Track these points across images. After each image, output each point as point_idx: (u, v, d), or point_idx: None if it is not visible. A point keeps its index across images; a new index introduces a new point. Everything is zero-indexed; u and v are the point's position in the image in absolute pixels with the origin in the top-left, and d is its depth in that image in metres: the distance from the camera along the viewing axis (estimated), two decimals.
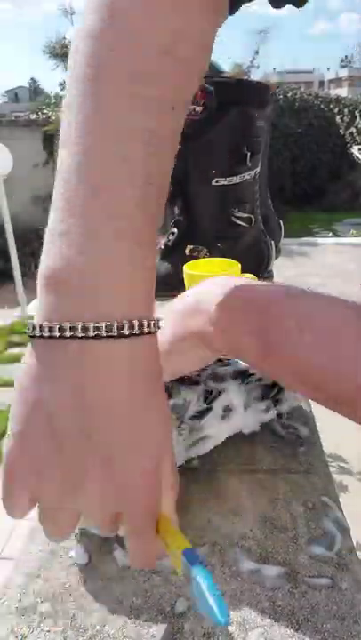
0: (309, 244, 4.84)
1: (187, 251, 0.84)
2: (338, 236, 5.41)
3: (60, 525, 0.26)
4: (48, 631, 0.32)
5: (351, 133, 6.35)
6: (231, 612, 0.33)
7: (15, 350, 2.97)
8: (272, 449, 0.48)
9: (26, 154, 4.74)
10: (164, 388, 0.27)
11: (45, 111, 5.47)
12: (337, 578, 0.35)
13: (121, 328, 0.23)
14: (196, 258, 0.80)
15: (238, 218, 0.81)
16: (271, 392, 0.49)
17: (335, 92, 11.48)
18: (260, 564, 0.36)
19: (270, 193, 0.87)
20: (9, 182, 3.02)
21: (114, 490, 0.24)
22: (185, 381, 0.45)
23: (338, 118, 6.44)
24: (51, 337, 0.23)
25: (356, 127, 6.30)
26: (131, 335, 0.23)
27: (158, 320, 0.25)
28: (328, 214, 6.16)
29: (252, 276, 0.71)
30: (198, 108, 0.74)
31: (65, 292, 0.23)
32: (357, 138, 6.30)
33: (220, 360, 0.48)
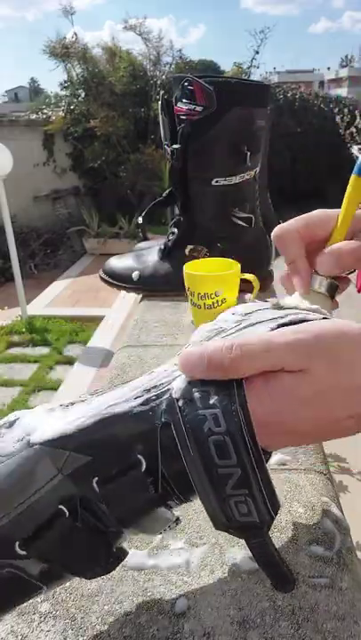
0: None
1: (187, 251, 0.84)
2: None
3: None
4: (48, 631, 0.32)
5: (351, 133, 6.34)
6: (231, 612, 0.33)
7: (15, 350, 2.98)
8: None
9: (26, 154, 4.74)
10: None
11: (45, 111, 5.47)
12: (337, 578, 0.35)
13: None
14: (196, 258, 0.80)
15: (238, 218, 0.81)
16: None
17: (335, 91, 11.48)
18: None
19: (270, 193, 0.87)
20: (9, 182, 3.02)
21: None
22: None
23: (338, 118, 6.43)
24: None
25: (357, 127, 6.29)
26: None
27: None
28: None
29: (252, 276, 0.72)
30: (198, 108, 0.74)
31: None
32: (357, 138, 6.30)
33: None
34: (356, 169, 0.44)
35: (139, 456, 0.27)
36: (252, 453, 0.25)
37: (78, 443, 0.27)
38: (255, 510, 0.25)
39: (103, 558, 0.29)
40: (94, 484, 0.27)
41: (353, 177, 0.43)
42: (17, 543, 0.27)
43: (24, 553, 0.27)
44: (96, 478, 0.27)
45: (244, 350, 0.26)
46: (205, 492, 0.26)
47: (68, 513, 0.27)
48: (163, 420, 0.27)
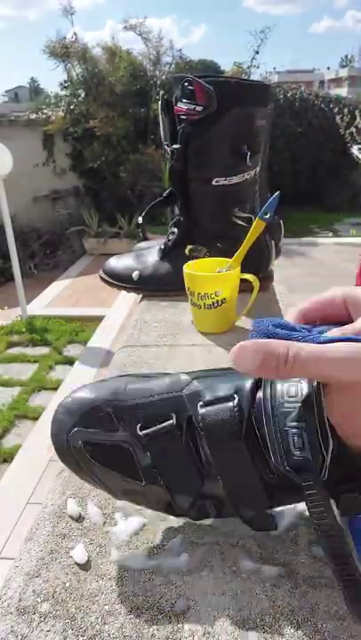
0: (309, 244, 4.84)
1: (187, 251, 0.84)
2: (338, 235, 5.41)
3: None
4: (48, 631, 0.32)
5: (351, 133, 6.34)
6: (231, 612, 0.33)
7: (15, 350, 2.98)
8: None
9: (26, 154, 4.74)
10: None
11: (45, 111, 5.47)
12: None
13: None
14: (196, 258, 0.80)
15: (238, 218, 0.81)
16: None
17: (335, 91, 11.48)
18: (260, 564, 0.36)
19: (270, 193, 0.87)
20: (9, 182, 3.02)
21: None
22: None
23: (338, 118, 6.43)
24: None
25: (357, 127, 6.29)
26: None
27: None
28: (328, 214, 6.16)
29: (252, 276, 0.72)
30: (198, 108, 0.73)
31: None
32: (357, 138, 6.30)
33: None
34: (260, 213, 0.62)
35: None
36: (315, 391, 0.29)
37: (199, 374, 0.37)
38: (308, 444, 0.28)
39: (193, 490, 0.35)
40: (198, 407, 0.34)
41: (256, 219, 0.62)
42: (138, 425, 0.35)
43: (140, 434, 0.34)
44: (201, 402, 0.34)
45: (297, 360, 0.28)
46: (270, 426, 0.30)
47: (175, 421, 0.34)
48: None
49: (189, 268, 0.73)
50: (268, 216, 0.67)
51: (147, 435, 0.34)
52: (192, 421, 0.34)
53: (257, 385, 0.33)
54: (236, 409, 0.32)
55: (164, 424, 0.34)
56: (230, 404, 0.33)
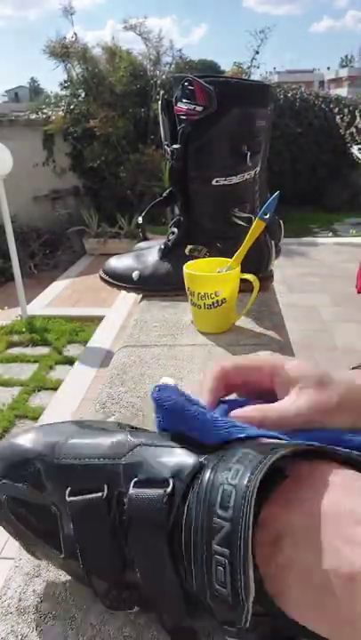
0: (309, 244, 4.84)
1: (187, 251, 0.84)
2: (338, 235, 5.41)
3: None
4: (48, 631, 0.32)
5: (351, 133, 6.34)
6: None
7: (15, 350, 2.98)
8: None
9: (26, 154, 4.74)
10: None
11: (45, 111, 5.48)
12: None
13: None
14: (196, 258, 0.80)
15: (238, 218, 0.81)
16: None
17: (335, 91, 11.48)
18: None
19: (270, 193, 0.87)
20: (9, 182, 3.02)
21: None
22: None
23: (338, 118, 6.43)
24: None
25: (357, 127, 6.29)
26: None
27: None
28: (328, 214, 6.16)
29: (252, 276, 0.72)
30: (198, 108, 0.74)
31: None
32: (357, 138, 6.30)
33: None
34: (259, 214, 0.63)
35: None
36: (247, 513, 0.24)
37: (152, 435, 0.33)
38: (230, 581, 0.24)
39: (111, 577, 0.30)
40: (131, 485, 0.29)
41: (256, 219, 0.63)
42: (68, 489, 0.30)
43: (68, 500, 0.30)
44: (136, 479, 0.29)
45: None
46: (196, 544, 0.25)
47: (105, 494, 0.29)
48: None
49: (189, 268, 0.73)
50: (267, 216, 0.67)
51: (72, 502, 0.30)
52: (123, 499, 0.29)
53: (201, 464, 0.28)
54: (165, 499, 0.27)
55: (93, 495, 0.29)
56: (160, 492, 0.27)
